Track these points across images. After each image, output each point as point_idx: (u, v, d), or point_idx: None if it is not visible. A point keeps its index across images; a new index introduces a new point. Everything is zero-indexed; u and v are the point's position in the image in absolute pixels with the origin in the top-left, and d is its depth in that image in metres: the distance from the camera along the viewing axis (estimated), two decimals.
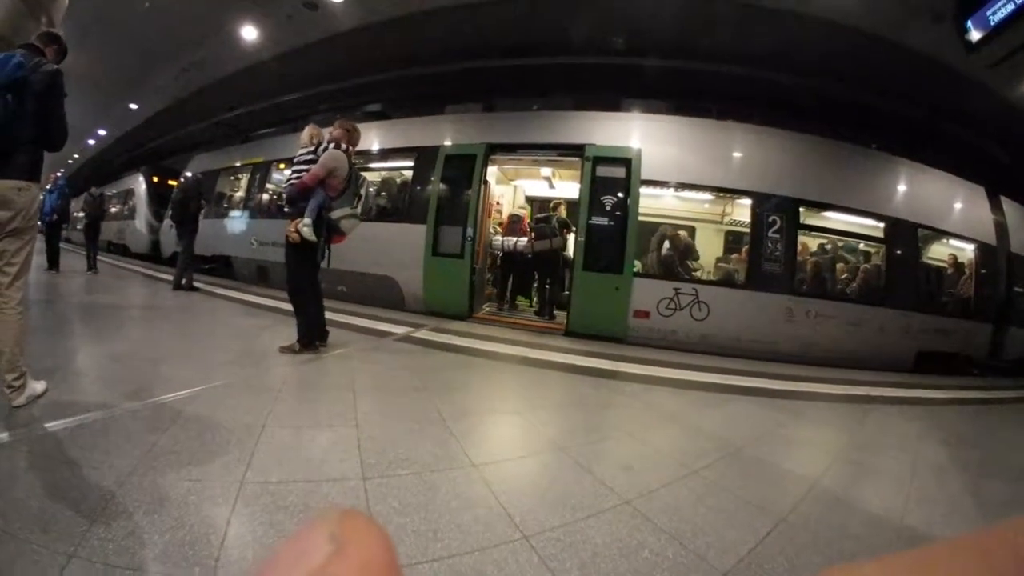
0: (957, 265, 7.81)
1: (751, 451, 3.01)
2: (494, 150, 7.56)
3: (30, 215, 2.64)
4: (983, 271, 7.68)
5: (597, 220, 6.83)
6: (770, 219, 6.71)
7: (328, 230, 4.27)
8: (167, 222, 11.70)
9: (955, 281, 7.76)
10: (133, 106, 15.65)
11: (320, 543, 0.18)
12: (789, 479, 2.68)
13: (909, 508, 2.42)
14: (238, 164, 11.50)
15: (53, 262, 9.53)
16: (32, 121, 2.57)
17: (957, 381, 6.44)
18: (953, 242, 7.81)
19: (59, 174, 11.22)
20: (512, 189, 10.42)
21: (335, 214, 4.24)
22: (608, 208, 6.80)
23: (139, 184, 15.91)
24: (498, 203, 9.14)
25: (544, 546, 1.80)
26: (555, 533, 1.89)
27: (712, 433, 3.27)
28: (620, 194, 6.77)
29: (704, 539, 1.95)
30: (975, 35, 5.51)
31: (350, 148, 4.43)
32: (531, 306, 9.08)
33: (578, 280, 6.87)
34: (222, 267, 10.99)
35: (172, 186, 13.22)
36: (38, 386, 2.72)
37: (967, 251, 7.82)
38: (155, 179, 15.79)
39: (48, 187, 10.23)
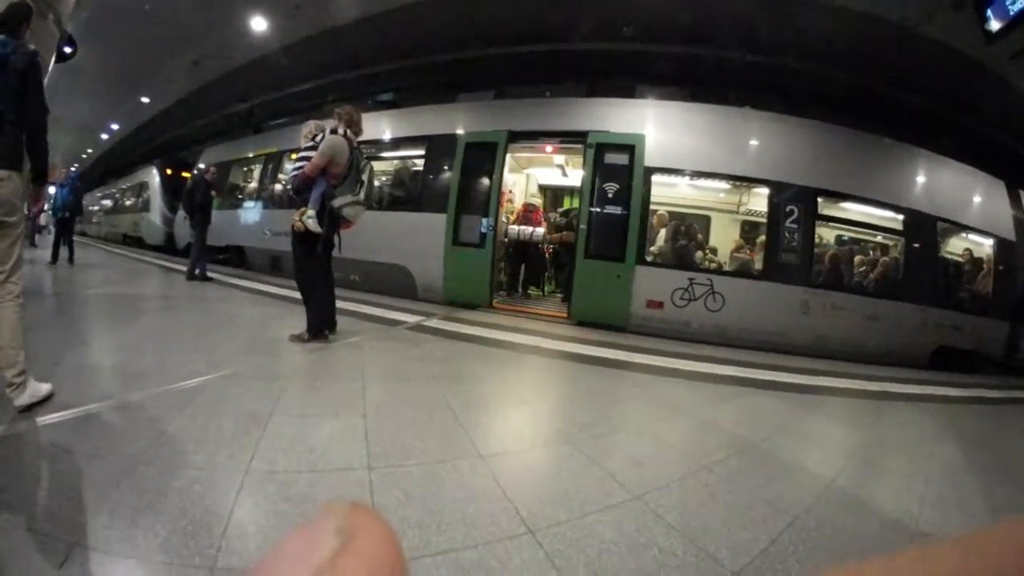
0: (975, 260, 7.62)
1: (765, 447, 2.93)
2: (515, 137, 7.47)
3: (14, 207, 2.54)
4: (1001, 267, 7.48)
5: (598, 208, 6.79)
6: (787, 209, 6.58)
7: (333, 218, 4.24)
8: (181, 213, 11.82)
9: (973, 277, 7.59)
10: (145, 100, 15.80)
11: (327, 537, 0.17)
12: (803, 477, 2.61)
13: (924, 511, 2.33)
14: (250, 155, 11.56)
15: (55, 256, 9.47)
16: (14, 102, 2.50)
17: (973, 379, 6.27)
18: (972, 237, 7.62)
19: (74, 169, 11.34)
20: (525, 177, 10.35)
21: (337, 202, 4.18)
22: (610, 196, 6.75)
23: (152, 177, 16.05)
24: (510, 191, 9.05)
25: (550, 541, 1.76)
26: (562, 528, 1.84)
27: (725, 427, 3.20)
28: (623, 181, 6.70)
29: (715, 537, 1.89)
30: (995, 25, 5.42)
31: (349, 133, 4.36)
32: (543, 295, 9.07)
33: (579, 268, 6.84)
34: (235, 257, 11.08)
35: (186, 178, 13.33)
36: (42, 388, 2.59)
37: (985, 246, 7.63)
38: (169, 171, 15.90)
39: (59, 182, 10.28)
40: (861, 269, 7.16)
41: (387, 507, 1.87)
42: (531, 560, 1.66)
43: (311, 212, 4.09)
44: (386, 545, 0.18)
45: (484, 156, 7.38)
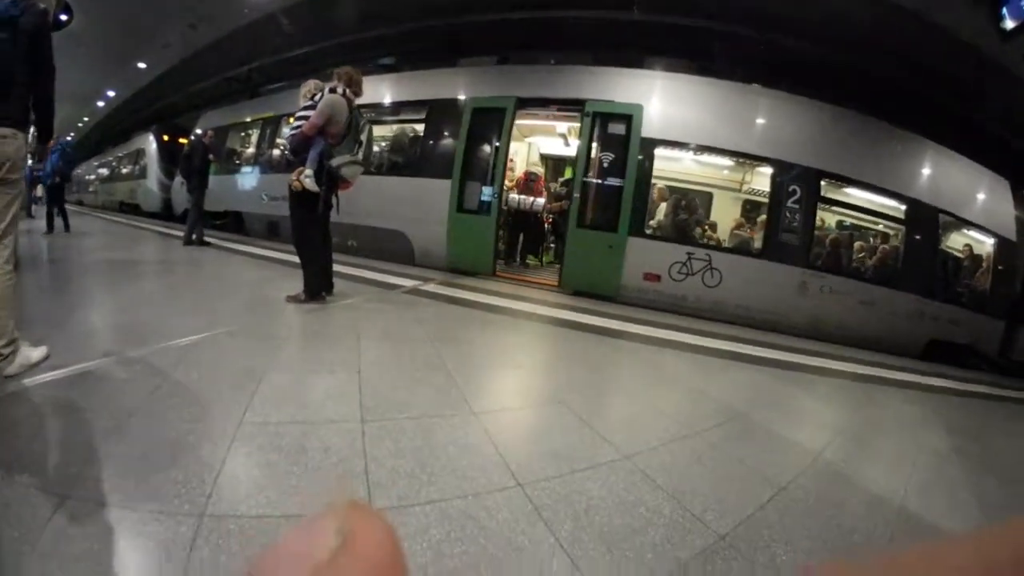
0: (975, 257, 7.57)
1: (755, 418, 2.95)
2: (522, 104, 7.30)
3: (15, 166, 2.48)
4: (1000, 266, 7.45)
5: (593, 177, 6.75)
6: (790, 189, 6.51)
7: (331, 179, 4.19)
8: (178, 179, 11.71)
9: (972, 272, 7.54)
10: (141, 65, 15.51)
11: (326, 536, 0.17)
12: (792, 449, 2.63)
13: (908, 493, 2.34)
14: (248, 120, 11.39)
15: (51, 225, 9.32)
16: (25, 63, 2.45)
17: (965, 374, 6.25)
18: (972, 233, 7.54)
19: (70, 138, 11.10)
20: (527, 146, 10.22)
21: (335, 162, 4.13)
22: (605, 165, 6.69)
23: (149, 143, 15.91)
24: (511, 160, 8.96)
25: (539, 495, 1.78)
26: (551, 483, 1.86)
27: (716, 397, 3.22)
28: (619, 151, 6.64)
29: (702, 500, 1.91)
30: (1010, 23, 5.36)
31: (349, 93, 4.28)
32: (541, 265, 9.08)
33: (571, 237, 6.83)
34: (233, 223, 11.01)
35: (183, 144, 13.16)
36: (35, 353, 2.52)
37: (986, 244, 7.57)
38: (165, 138, 15.73)
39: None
40: (860, 255, 7.12)
41: (379, 458, 1.89)
42: (519, 512, 1.68)
43: (309, 171, 4.05)
44: (386, 545, 0.18)
45: (491, 122, 7.22)
